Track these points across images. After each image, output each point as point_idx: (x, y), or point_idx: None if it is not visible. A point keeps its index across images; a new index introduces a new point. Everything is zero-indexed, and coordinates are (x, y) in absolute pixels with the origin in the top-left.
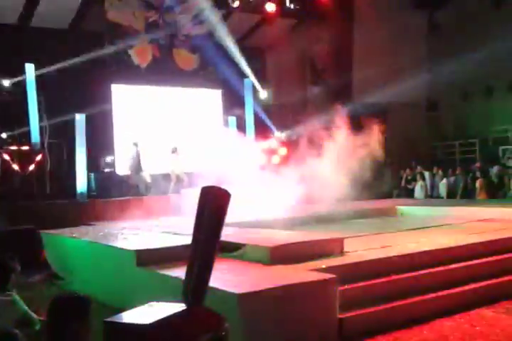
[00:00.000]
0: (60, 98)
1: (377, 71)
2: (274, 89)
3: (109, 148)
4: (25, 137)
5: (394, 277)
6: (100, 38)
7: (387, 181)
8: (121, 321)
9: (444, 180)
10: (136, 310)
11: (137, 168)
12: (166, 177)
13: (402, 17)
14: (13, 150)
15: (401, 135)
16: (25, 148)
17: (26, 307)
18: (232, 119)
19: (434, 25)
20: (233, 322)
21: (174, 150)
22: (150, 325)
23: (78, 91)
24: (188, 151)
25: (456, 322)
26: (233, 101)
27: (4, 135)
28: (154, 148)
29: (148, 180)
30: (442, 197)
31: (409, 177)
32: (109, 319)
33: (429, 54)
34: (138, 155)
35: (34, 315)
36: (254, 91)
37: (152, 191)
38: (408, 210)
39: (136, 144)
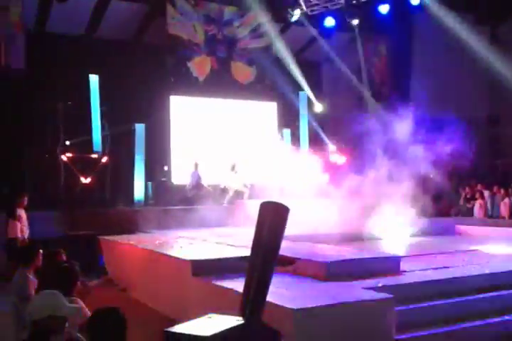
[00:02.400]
0: (121, 108)
1: (435, 85)
2: (330, 102)
3: (165, 158)
4: (88, 145)
5: (454, 299)
6: (161, 51)
7: (445, 199)
8: (181, 332)
9: (506, 200)
10: (195, 321)
11: (198, 185)
12: (223, 188)
13: (462, 31)
14: (75, 157)
15: (460, 151)
16: (87, 156)
17: (89, 313)
18: (287, 132)
19: (495, 39)
20: (288, 338)
21: (233, 168)
22: (211, 337)
23: (138, 102)
24: (246, 165)
25: None
26: (288, 113)
27: (68, 143)
28: (209, 159)
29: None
30: (503, 217)
31: (468, 196)
32: (169, 329)
33: (489, 68)
34: (198, 176)
35: None
36: (310, 104)
37: (208, 202)
38: (467, 229)
39: (196, 165)
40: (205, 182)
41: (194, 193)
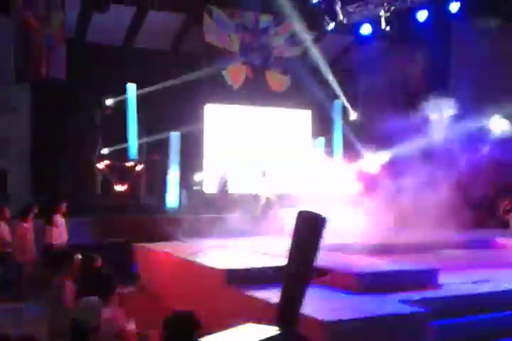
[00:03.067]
0: (157, 116)
1: (474, 94)
2: (365, 111)
3: (199, 167)
4: (124, 153)
5: (493, 314)
6: (197, 60)
7: (484, 210)
8: None
9: None
10: (231, 330)
11: (223, 190)
12: (256, 197)
13: (502, 38)
14: (111, 165)
15: (498, 160)
16: (123, 164)
17: (125, 320)
18: (321, 140)
19: None
20: None
21: (263, 174)
22: None
23: (174, 110)
24: (277, 173)
25: None
26: (323, 122)
27: (105, 150)
28: (243, 167)
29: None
30: None
31: (507, 208)
32: (204, 338)
33: None
34: (225, 181)
35: (132, 327)
36: (344, 113)
37: (240, 211)
38: (507, 243)
39: (224, 174)
40: (235, 190)
41: (220, 198)
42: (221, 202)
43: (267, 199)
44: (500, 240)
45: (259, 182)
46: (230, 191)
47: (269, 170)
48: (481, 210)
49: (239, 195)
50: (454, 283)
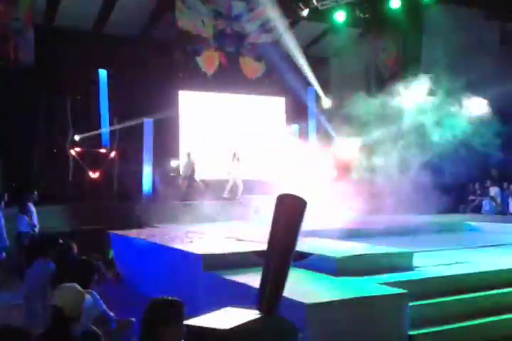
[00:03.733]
0: (129, 103)
1: (446, 79)
2: (338, 97)
3: (174, 153)
4: (97, 139)
5: (467, 295)
6: (170, 46)
7: (453, 195)
8: (200, 325)
9: None
10: (213, 314)
11: (191, 177)
12: (223, 183)
13: (472, 28)
14: (84, 152)
15: (470, 148)
16: (95, 150)
17: (105, 306)
18: (295, 127)
19: (506, 37)
20: (301, 333)
21: (234, 156)
22: (230, 330)
23: (147, 97)
24: (248, 158)
25: None
26: (296, 109)
27: (77, 137)
28: (216, 154)
29: (202, 186)
30: (511, 214)
31: (477, 192)
32: (188, 322)
33: (500, 66)
34: (191, 165)
35: (112, 314)
36: (318, 99)
37: (207, 196)
38: (478, 226)
39: (189, 154)
40: (207, 176)
41: (186, 186)
42: (184, 186)
43: (234, 184)
44: (471, 223)
45: (230, 164)
46: (198, 177)
47: (240, 153)
48: (453, 194)
49: (211, 180)
50: (428, 266)
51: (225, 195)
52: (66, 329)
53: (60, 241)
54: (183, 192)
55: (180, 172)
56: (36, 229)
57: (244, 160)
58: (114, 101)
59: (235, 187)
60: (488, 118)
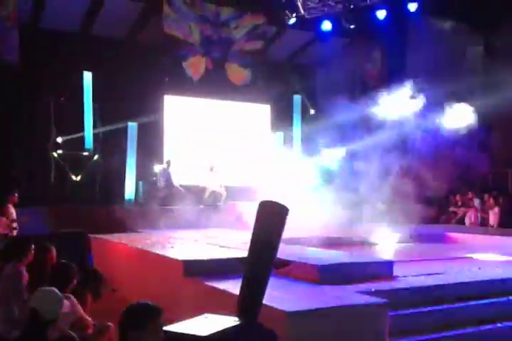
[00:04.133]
0: (114, 106)
1: (429, 89)
2: (323, 106)
3: (158, 157)
4: (80, 142)
5: (446, 306)
6: (156, 50)
7: (434, 206)
8: (178, 331)
9: (496, 209)
10: (192, 320)
11: (169, 184)
12: (202, 189)
13: (456, 40)
14: (66, 155)
15: (451, 160)
16: (78, 153)
17: (82, 311)
18: (280, 134)
19: (490, 49)
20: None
21: (211, 168)
22: (207, 337)
23: (132, 101)
24: (231, 165)
25: None
26: (281, 117)
27: (60, 139)
28: (198, 159)
29: (182, 192)
30: (492, 226)
31: (459, 204)
32: (166, 328)
33: (484, 78)
34: (168, 175)
35: (89, 319)
36: (303, 107)
37: (188, 202)
38: (457, 237)
39: (168, 163)
40: (182, 182)
41: (166, 193)
42: (164, 193)
43: (213, 192)
44: (450, 234)
45: (207, 175)
46: (175, 183)
47: (217, 164)
48: (434, 205)
49: (193, 186)
50: (408, 275)
51: (204, 203)
52: (42, 333)
53: (37, 244)
54: (161, 199)
55: (157, 182)
56: (15, 232)
57: (223, 170)
58: (98, 104)
59: (217, 194)
60: (471, 128)
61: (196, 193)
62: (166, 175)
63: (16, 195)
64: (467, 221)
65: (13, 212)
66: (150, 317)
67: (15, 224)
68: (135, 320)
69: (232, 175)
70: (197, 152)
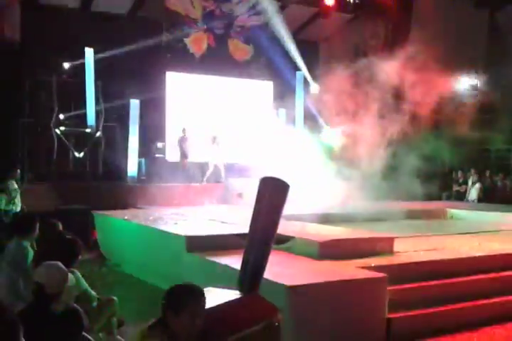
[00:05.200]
0: (116, 83)
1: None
2: (327, 82)
3: (160, 135)
4: (82, 119)
5: (445, 280)
6: (158, 26)
7: (436, 182)
8: None
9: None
10: None
11: (183, 154)
12: (203, 165)
13: (461, 16)
14: (69, 131)
15: (452, 136)
16: (81, 130)
17: (87, 285)
18: (282, 111)
19: (494, 26)
20: (281, 314)
21: (213, 140)
22: (208, 310)
23: (134, 77)
24: (233, 141)
25: (508, 330)
26: (284, 93)
27: (62, 116)
28: (201, 136)
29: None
30: (473, 201)
31: (460, 180)
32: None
33: (487, 54)
34: (184, 142)
35: (93, 293)
36: (306, 84)
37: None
38: (459, 213)
39: (183, 131)
40: (191, 158)
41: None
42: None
43: (215, 167)
44: (451, 211)
45: (209, 148)
46: (187, 158)
47: (220, 137)
48: (436, 181)
49: (195, 163)
50: (408, 251)
51: (203, 181)
52: (47, 306)
53: (43, 220)
54: (185, 172)
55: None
56: (18, 208)
57: (225, 145)
58: (101, 81)
59: (217, 170)
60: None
61: (200, 169)
62: (184, 141)
63: (18, 170)
64: (468, 197)
65: (15, 187)
66: (190, 299)
67: (17, 201)
68: (174, 300)
69: (233, 152)
70: (199, 128)
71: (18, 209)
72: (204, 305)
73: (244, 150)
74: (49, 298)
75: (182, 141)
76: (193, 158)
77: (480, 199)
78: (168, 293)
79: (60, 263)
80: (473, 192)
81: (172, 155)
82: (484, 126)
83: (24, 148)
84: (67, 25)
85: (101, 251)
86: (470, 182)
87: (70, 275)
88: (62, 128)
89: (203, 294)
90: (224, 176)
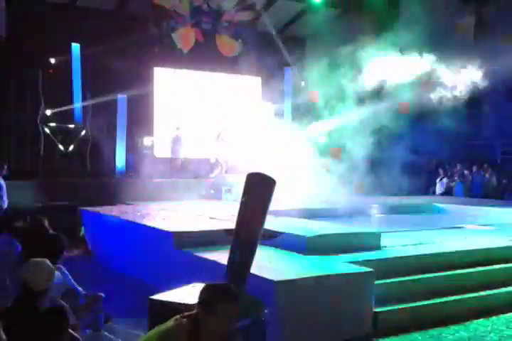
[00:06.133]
0: (103, 78)
1: None
2: (315, 78)
3: (148, 130)
4: (69, 115)
5: (432, 274)
6: (145, 21)
7: (423, 177)
8: (166, 299)
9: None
10: (179, 289)
11: (176, 152)
12: (202, 161)
13: (448, 11)
14: (56, 127)
15: (439, 131)
16: (68, 126)
17: (73, 281)
18: (270, 107)
19: (481, 20)
20: (269, 309)
21: (218, 136)
22: (194, 305)
23: (121, 73)
24: (228, 138)
25: (493, 323)
26: (272, 89)
27: (48, 112)
28: (191, 132)
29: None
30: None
31: (447, 174)
32: (154, 296)
33: (474, 49)
34: (176, 142)
35: (80, 289)
36: (294, 79)
37: (187, 175)
38: (445, 208)
39: (177, 128)
40: (185, 154)
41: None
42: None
43: (216, 161)
44: (439, 205)
45: (214, 143)
46: (183, 154)
47: (224, 133)
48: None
49: (188, 158)
50: (395, 246)
51: (212, 176)
52: (33, 303)
53: (30, 217)
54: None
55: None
56: (5, 204)
57: (228, 141)
58: (87, 76)
59: (217, 167)
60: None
61: (201, 165)
62: (177, 140)
63: (5, 167)
64: (456, 191)
65: (3, 184)
66: (223, 300)
67: (5, 197)
68: (207, 300)
69: (222, 147)
70: (187, 124)
71: (5, 205)
72: (235, 311)
73: (233, 145)
74: (35, 295)
75: (174, 141)
76: (193, 154)
77: (445, 194)
78: (203, 291)
79: (47, 261)
80: (439, 186)
81: (160, 150)
82: (471, 121)
83: (10, 144)
84: (53, 19)
85: (88, 247)
86: (466, 177)
87: (56, 272)
88: (48, 124)
89: (237, 299)
90: (222, 171)
